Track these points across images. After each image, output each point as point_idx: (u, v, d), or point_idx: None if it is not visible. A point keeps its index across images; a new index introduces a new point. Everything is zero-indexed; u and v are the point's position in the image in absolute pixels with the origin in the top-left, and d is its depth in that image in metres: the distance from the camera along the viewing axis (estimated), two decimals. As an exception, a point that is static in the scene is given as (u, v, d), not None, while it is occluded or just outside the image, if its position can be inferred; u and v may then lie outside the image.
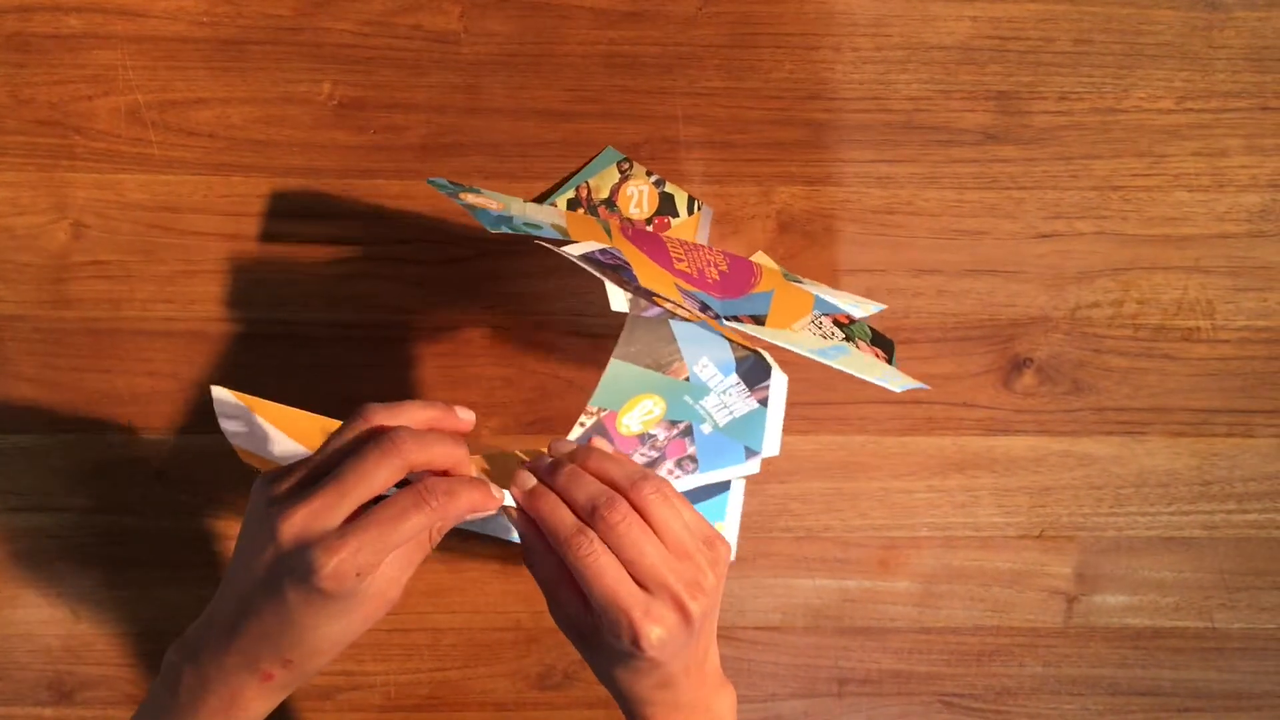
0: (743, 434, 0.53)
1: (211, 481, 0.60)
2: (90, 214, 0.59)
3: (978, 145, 0.62)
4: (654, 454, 0.51)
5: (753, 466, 0.53)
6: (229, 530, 0.61)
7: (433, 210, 0.60)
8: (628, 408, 0.51)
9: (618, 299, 0.49)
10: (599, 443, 0.48)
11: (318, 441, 0.43)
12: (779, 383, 0.53)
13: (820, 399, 0.62)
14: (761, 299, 0.53)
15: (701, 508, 0.54)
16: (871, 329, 0.56)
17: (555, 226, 0.50)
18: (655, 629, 0.40)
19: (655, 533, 0.41)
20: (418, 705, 0.62)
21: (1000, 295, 0.62)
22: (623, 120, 0.61)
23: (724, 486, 0.55)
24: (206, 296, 0.60)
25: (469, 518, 0.42)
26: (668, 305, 0.49)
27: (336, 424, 0.43)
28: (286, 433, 0.49)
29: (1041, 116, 0.62)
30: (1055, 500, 0.63)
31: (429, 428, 0.42)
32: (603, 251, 0.49)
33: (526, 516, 0.43)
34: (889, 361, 0.55)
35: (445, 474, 0.41)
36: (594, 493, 0.41)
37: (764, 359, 0.53)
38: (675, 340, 0.51)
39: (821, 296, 0.55)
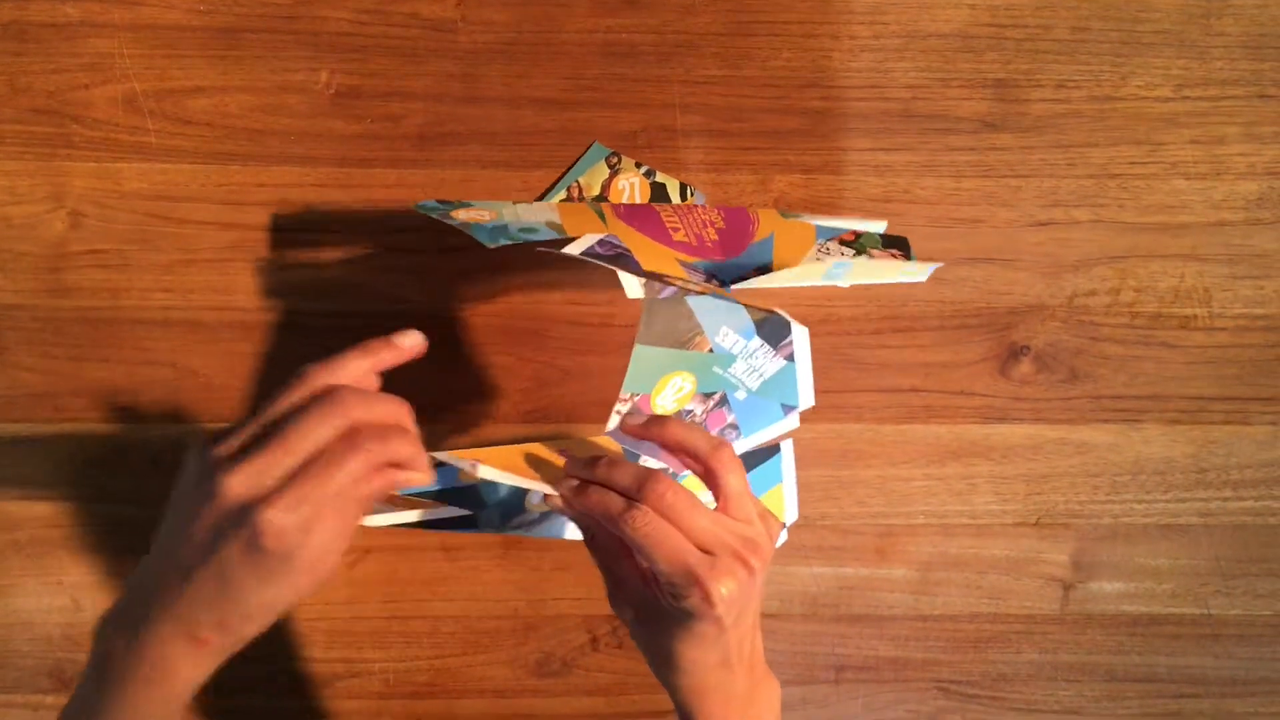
0: (777, 392, 0.53)
1: (210, 470, 0.60)
2: (88, 203, 0.59)
3: (975, 133, 0.62)
4: None
5: (793, 421, 0.54)
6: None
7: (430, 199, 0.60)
8: (659, 388, 0.51)
9: (633, 287, 0.49)
10: (632, 415, 0.48)
11: (522, 467, 0.44)
12: (801, 336, 0.53)
13: (818, 387, 0.62)
14: (763, 246, 0.53)
15: (755, 476, 0.55)
16: (882, 235, 0.55)
17: (550, 224, 0.50)
18: (722, 584, 0.40)
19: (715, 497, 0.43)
20: (416, 692, 0.62)
21: (997, 283, 0.62)
22: (620, 109, 0.61)
23: (773, 450, 0.56)
24: (204, 286, 0.60)
25: (404, 484, 0.42)
26: (678, 284, 0.49)
27: (539, 448, 0.44)
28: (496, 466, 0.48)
29: (1039, 104, 0.62)
30: (1052, 488, 0.63)
31: (374, 371, 0.43)
32: (601, 243, 0.49)
33: (580, 510, 0.44)
34: (908, 258, 0.54)
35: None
36: (636, 473, 0.42)
37: (781, 316, 0.53)
38: (694, 315, 0.52)
39: (822, 224, 0.55)
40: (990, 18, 0.61)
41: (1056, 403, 0.63)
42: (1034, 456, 0.63)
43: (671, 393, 0.52)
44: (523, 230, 0.50)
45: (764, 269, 0.52)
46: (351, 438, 0.40)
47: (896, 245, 0.55)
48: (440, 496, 0.56)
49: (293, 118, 0.60)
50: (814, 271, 0.51)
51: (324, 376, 0.41)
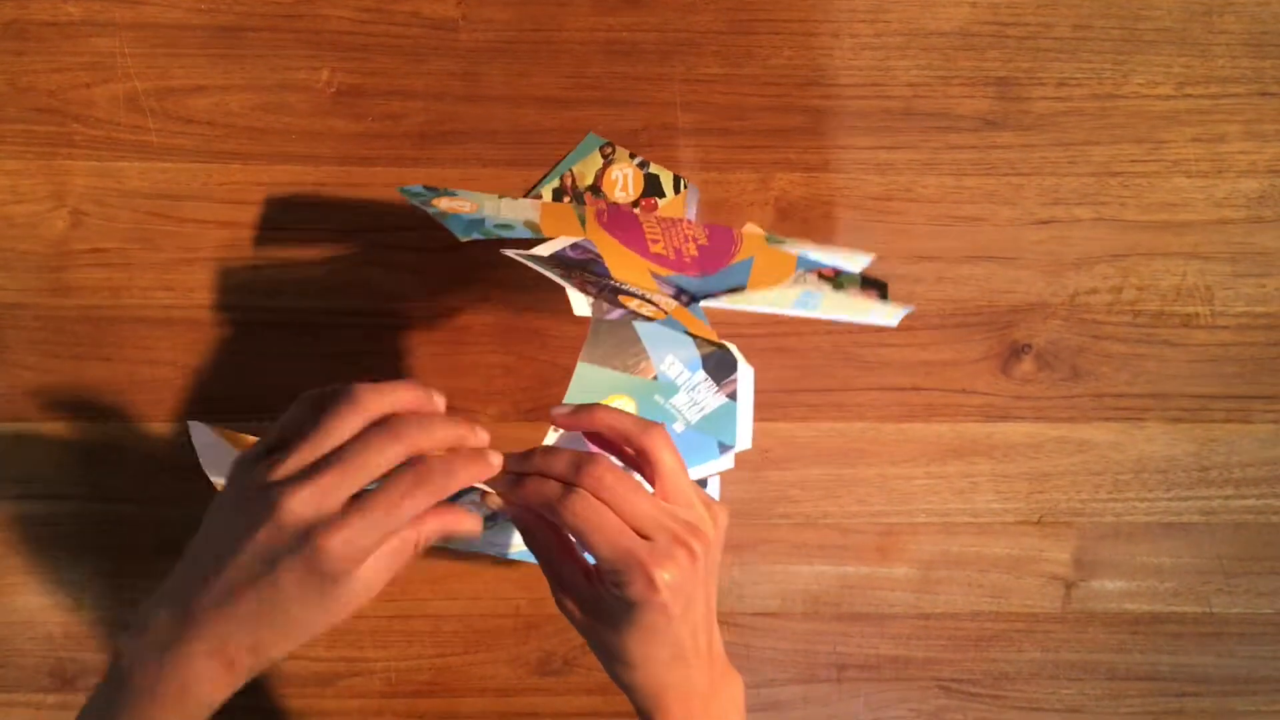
0: (715, 429, 0.53)
1: (212, 469, 0.60)
2: (89, 202, 0.59)
3: (977, 131, 0.62)
4: None
5: (727, 461, 0.53)
6: (229, 517, 0.62)
7: (431, 197, 0.60)
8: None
9: (580, 304, 0.49)
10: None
11: None
12: (746, 376, 0.53)
13: (819, 386, 0.62)
14: (741, 269, 0.52)
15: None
16: (863, 276, 0.54)
17: (528, 224, 0.50)
18: (664, 570, 0.39)
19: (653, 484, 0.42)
20: (418, 691, 0.62)
21: (999, 282, 0.62)
22: (621, 107, 0.61)
23: (700, 485, 0.56)
24: (206, 284, 0.60)
25: (466, 531, 0.41)
26: (632, 305, 0.49)
27: None
28: None
29: (1041, 103, 0.62)
30: (1054, 486, 0.63)
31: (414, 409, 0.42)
32: (573, 246, 0.49)
33: (517, 505, 0.43)
34: (883, 299, 0.53)
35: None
36: (571, 458, 0.41)
37: (729, 353, 0.53)
38: (640, 340, 0.51)
39: (806, 255, 0.54)
40: (992, 15, 0.61)
41: (1058, 401, 0.63)
42: (1036, 455, 0.63)
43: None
44: (499, 226, 0.49)
45: (736, 291, 0.51)
46: (419, 471, 0.39)
47: (875, 287, 0.54)
48: None
49: (294, 116, 0.60)
50: (786, 298, 0.50)
51: (374, 400, 0.40)
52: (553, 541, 0.44)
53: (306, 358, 0.60)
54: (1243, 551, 0.64)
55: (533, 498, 0.41)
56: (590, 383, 0.50)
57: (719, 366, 0.52)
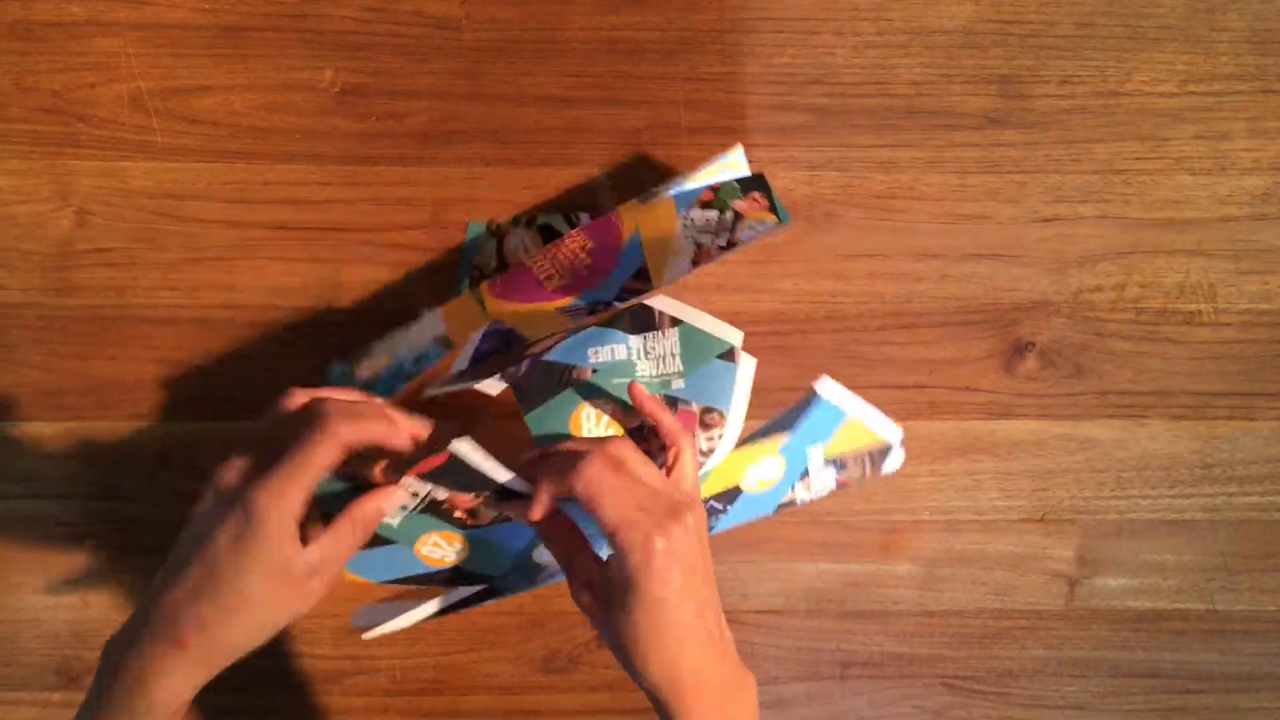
0: (700, 354, 0.53)
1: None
2: (94, 201, 0.59)
3: (980, 129, 0.62)
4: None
5: (748, 366, 0.53)
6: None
7: (435, 198, 0.61)
8: (577, 429, 0.51)
9: (492, 386, 0.51)
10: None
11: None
12: (663, 302, 0.54)
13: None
14: (632, 249, 0.53)
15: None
16: (738, 181, 0.54)
17: (437, 339, 0.53)
18: (660, 538, 0.42)
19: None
20: (423, 689, 0.62)
21: (1002, 279, 0.62)
22: (624, 106, 0.61)
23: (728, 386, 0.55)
24: (210, 284, 0.60)
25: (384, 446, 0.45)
26: (540, 348, 0.51)
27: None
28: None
29: (1044, 100, 0.62)
30: (1057, 484, 0.63)
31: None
32: (485, 336, 0.50)
33: (537, 481, 0.45)
34: (770, 201, 0.53)
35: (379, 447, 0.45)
36: (576, 445, 0.45)
37: (632, 305, 0.53)
38: (557, 363, 0.52)
39: (680, 191, 0.54)
40: (995, 13, 0.61)
41: (1061, 399, 0.63)
42: (1039, 452, 0.63)
43: (592, 424, 0.51)
44: (415, 362, 0.52)
45: (641, 273, 0.52)
46: (324, 422, 0.42)
47: (756, 187, 0.54)
48: (455, 578, 0.56)
49: (298, 116, 0.60)
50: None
51: (305, 393, 0.46)
52: (568, 535, 0.47)
53: (311, 357, 0.60)
54: (1246, 549, 0.64)
55: (547, 475, 0.44)
56: (548, 423, 0.51)
57: (636, 319, 0.53)
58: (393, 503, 0.44)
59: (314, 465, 0.41)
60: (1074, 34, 0.62)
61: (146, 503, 0.61)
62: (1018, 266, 0.62)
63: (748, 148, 0.61)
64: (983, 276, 0.62)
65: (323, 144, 0.60)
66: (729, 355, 0.53)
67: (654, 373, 0.53)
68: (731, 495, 0.56)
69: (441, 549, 0.54)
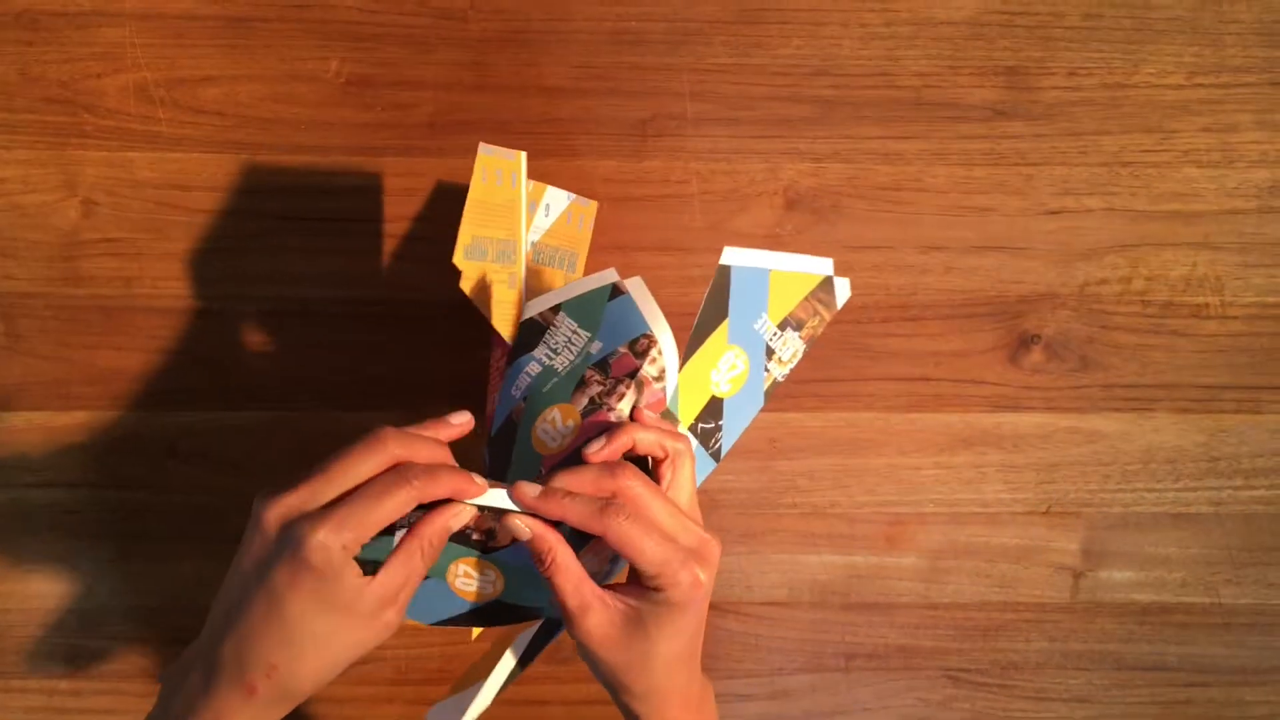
0: (592, 308, 0.51)
1: (221, 457, 0.61)
2: (100, 191, 0.60)
3: (986, 121, 0.62)
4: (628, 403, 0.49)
5: (635, 285, 0.51)
6: (239, 505, 0.62)
7: (442, 187, 0.61)
8: (540, 448, 0.50)
9: (499, 498, 0.48)
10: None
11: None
12: (536, 304, 0.53)
13: (828, 376, 0.62)
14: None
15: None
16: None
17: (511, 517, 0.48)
18: (703, 570, 0.41)
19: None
20: (428, 678, 0.62)
21: (1008, 272, 0.62)
22: (629, 97, 0.61)
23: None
24: (217, 274, 0.60)
25: (455, 522, 0.42)
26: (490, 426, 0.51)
27: None
28: None
29: (1051, 92, 0.62)
30: (1062, 476, 0.63)
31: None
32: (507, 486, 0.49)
33: (542, 528, 0.42)
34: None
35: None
36: (596, 475, 0.42)
37: (516, 327, 0.53)
38: (504, 422, 0.51)
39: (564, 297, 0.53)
40: (1001, 5, 0.61)
41: (1067, 391, 0.62)
42: (1044, 445, 0.63)
43: (551, 434, 0.51)
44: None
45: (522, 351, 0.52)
46: (400, 471, 0.40)
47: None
48: (501, 613, 0.54)
49: (303, 106, 0.60)
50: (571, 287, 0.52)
51: (396, 435, 0.41)
52: (577, 571, 0.43)
53: (319, 348, 0.61)
54: (1251, 542, 0.63)
55: (568, 512, 0.41)
56: (520, 465, 0.50)
57: (527, 336, 0.52)
58: (460, 519, 0.42)
59: (383, 511, 0.39)
60: (1081, 25, 0.61)
61: (153, 491, 0.61)
62: (1024, 259, 0.62)
63: (754, 139, 0.61)
64: (989, 269, 0.62)
65: (328, 135, 0.60)
66: (616, 291, 0.52)
67: (571, 357, 0.52)
68: (715, 408, 0.54)
69: (472, 580, 0.52)
